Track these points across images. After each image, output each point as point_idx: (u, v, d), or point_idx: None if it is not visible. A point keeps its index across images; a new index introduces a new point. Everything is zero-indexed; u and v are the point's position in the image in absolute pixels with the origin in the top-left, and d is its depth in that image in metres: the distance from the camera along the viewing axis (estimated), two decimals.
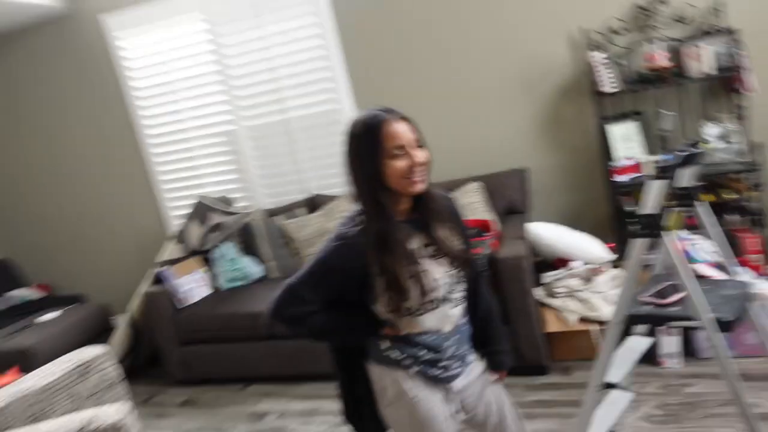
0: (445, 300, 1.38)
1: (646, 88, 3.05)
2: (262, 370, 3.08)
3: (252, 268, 3.36)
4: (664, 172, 1.46)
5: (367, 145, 1.27)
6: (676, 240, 2.49)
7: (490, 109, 3.42)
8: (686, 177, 1.74)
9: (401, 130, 1.29)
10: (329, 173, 3.70)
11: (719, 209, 2.90)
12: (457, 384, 1.45)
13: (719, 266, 2.58)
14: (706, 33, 2.96)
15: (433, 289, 1.34)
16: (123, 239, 4.24)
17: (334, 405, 2.73)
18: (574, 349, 2.69)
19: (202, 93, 3.83)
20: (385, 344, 1.40)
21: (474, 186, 3.21)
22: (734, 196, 2.90)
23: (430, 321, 1.38)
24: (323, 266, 1.33)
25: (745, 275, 2.40)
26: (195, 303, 3.21)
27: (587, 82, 3.19)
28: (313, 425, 2.66)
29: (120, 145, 4.06)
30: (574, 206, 3.40)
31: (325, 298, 1.35)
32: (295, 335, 1.43)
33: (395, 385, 1.39)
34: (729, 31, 2.87)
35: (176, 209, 4.01)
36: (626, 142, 3.14)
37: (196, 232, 3.14)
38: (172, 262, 3.22)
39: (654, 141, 3.15)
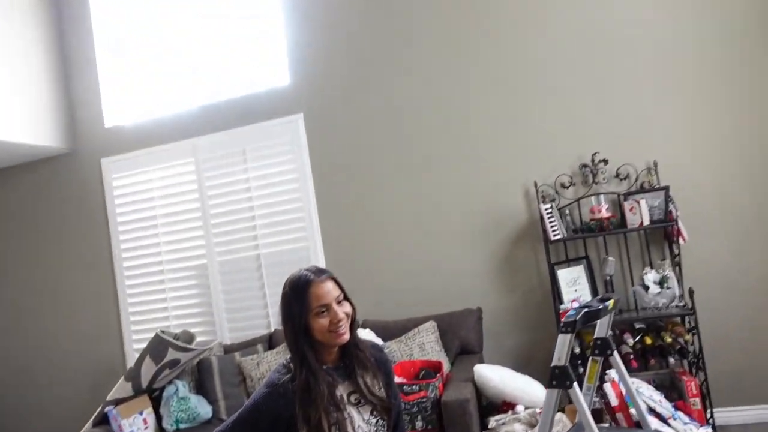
0: None
1: (591, 236, 3.26)
2: None
3: (201, 407, 3.26)
4: (568, 327, 1.55)
5: (296, 304, 1.43)
6: (615, 382, 2.53)
7: (449, 252, 3.59)
8: (603, 328, 1.84)
9: (325, 290, 1.43)
10: None
11: (661, 351, 2.97)
12: None
13: (654, 411, 2.59)
14: (643, 188, 3.24)
15: None
16: (79, 374, 4.16)
17: None
18: None
19: (182, 228, 4.03)
20: None
21: (429, 325, 3.27)
22: (670, 339, 2.98)
23: None
24: (254, 412, 1.40)
25: (680, 420, 2.41)
26: None
27: (539, 230, 3.41)
28: None
29: (95, 275, 4.18)
30: (525, 347, 3.44)
31: None
32: None
33: None
34: (662, 188, 3.14)
35: (140, 342, 3.99)
36: (574, 285, 3.27)
37: (148, 369, 3.10)
38: (119, 401, 3.13)
39: (599, 284, 3.30)
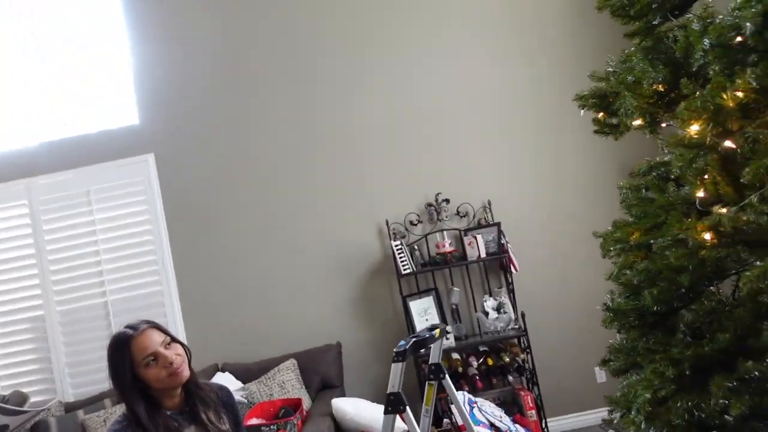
0: None
1: (438, 269, 3.54)
2: None
3: None
4: (399, 356, 1.71)
5: (120, 361, 1.43)
6: (434, 410, 2.75)
7: (309, 291, 3.67)
8: (435, 355, 2.03)
9: (149, 340, 1.44)
10: None
11: (502, 371, 3.29)
12: None
13: (495, 426, 2.86)
14: (480, 225, 3.61)
15: None
16: None
17: None
18: None
19: (13, 277, 3.65)
20: None
21: (289, 363, 3.30)
22: (508, 359, 3.32)
23: None
24: None
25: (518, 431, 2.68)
26: None
27: (392, 265, 3.62)
28: None
29: None
30: (384, 377, 3.57)
31: None
32: None
33: None
34: (494, 224, 3.53)
35: None
36: (425, 314, 3.51)
37: None
38: None
39: (447, 313, 3.58)
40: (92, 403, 3.33)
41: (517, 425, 3.07)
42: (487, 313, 3.43)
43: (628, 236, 1.18)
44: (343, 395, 3.31)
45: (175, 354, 1.46)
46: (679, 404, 0.88)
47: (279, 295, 3.66)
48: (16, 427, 2.97)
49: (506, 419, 3.06)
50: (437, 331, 1.90)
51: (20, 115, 3.80)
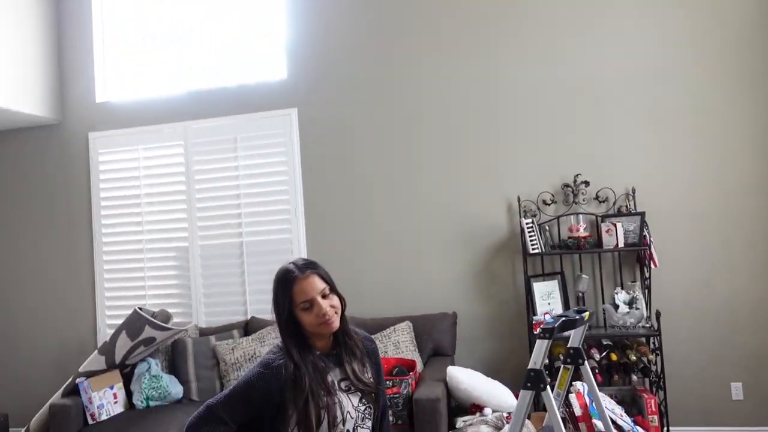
0: None
1: (568, 253, 3.38)
2: None
3: (173, 387, 3.27)
4: (546, 333, 1.64)
5: (282, 297, 1.52)
6: (580, 393, 2.64)
7: (430, 257, 3.67)
8: (576, 339, 1.94)
9: (309, 286, 1.50)
10: (270, 298, 3.81)
11: (625, 368, 3.11)
12: None
13: (616, 424, 2.71)
14: (620, 212, 3.38)
15: (343, 421, 1.45)
16: (47, 344, 4.12)
17: None
18: None
19: (165, 209, 4.03)
20: None
21: (405, 325, 3.34)
22: (634, 357, 3.12)
23: None
24: (246, 389, 1.45)
25: None
26: (104, 420, 3.07)
27: (518, 243, 3.52)
28: None
29: (74, 248, 4.14)
30: (496, 354, 3.54)
31: (240, 420, 1.43)
32: None
33: None
34: (638, 213, 3.28)
35: (113, 318, 3.98)
36: (547, 298, 3.39)
37: (123, 344, 3.10)
38: (91, 373, 3.13)
39: (572, 299, 3.43)
40: (222, 332, 3.63)
41: (638, 427, 2.89)
42: (617, 307, 3.23)
43: None
44: (454, 365, 3.31)
45: (330, 305, 1.50)
46: None
47: (401, 256, 3.70)
48: (161, 341, 3.31)
49: (627, 418, 2.89)
50: (586, 314, 1.81)
51: (180, 63, 4.12)
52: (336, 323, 1.51)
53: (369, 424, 1.54)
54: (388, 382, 2.82)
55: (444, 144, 3.69)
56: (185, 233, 3.99)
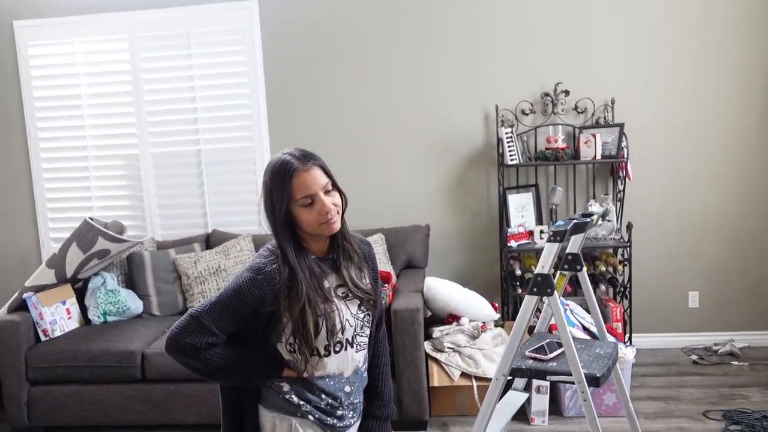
0: (350, 343, 1.36)
1: (544, 165, 3.31)
2: (125, 417, 2.76)
3: (131, 302, 3.08)
4: (557, 236, 1.55)
5: (278, 192, 1.29)
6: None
7: (402, 167, 3.52)
8: (575, 244, 1.88)
9: (311, 180, 1.29)
10: (232, 210, 3.61)
11: (593, 279, 3.16)
12: None
13: (588, 330, 2.78)
14: (598, 124, 3.30)
15: (342, 330, 1.32)
16: None
17: None
18: (454, 405, 2.71)
19: (110, 112, 3.64)
20: (284, 387, 1.33)
21: (377, 237, 3.24)
22: (604, 268, 3.18)
23: (333, 364, 1.34)
24: (236, 295, 1.27)
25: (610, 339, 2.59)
26: (58, 336, 2.86)
27: (494, 154, 3.41)
28: None
29: (5, 152, 3.70)
30: (468, 266, 3.53)
31: (228, 330, 1.28)
32: (190, 367, 1.30)
33: None
34: (617, 124, 3.22)
35: (58, 231, 3.67)
36: (521, 210, 3.35)
37: (74, 257, 2.84)
38: (40, 288, 2.87)
39: (545, 212, 3.40)
40: (182, 245, 3.41)
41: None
42: None
43: None
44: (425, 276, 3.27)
45: (333, 203, 1.32)
46: None
47: (373, 168, 3.53)
48: (116, 254, 3.08)
49: (603, 328, 2.97)
50: (594, 217, 1.73)
51: None
52: (338, 224, 1.33)
53: (367, 332, 1.42)
54: None
55: (419, 48, 3.44)
56: (135, 139, 3.64)
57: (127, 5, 3.55)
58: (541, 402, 2.60)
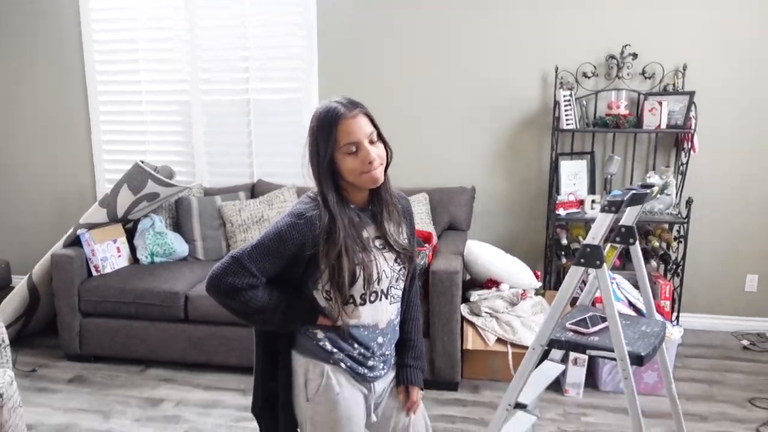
0: (385, 294, 1.35)
1: (602, 132, 3.14)
2: (167, 353, 2.88)
3: (178, 245, 3.16)
4: (613, 206, 1.46)
5: (323, 138, 1.27)
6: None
7: (452, 127, 3.42)
8: (630, 217, 1.77)
9: (356, 126, 1.26)
10: (277, 161, 3.61)
11: (644, 254, 3.02)
12: (378, 386, 1.42)
13: (634, 306, 2.67)
14: (666, 91, 3.09)
15: (378, 280, 1.32)
16: (44, 196, 3.95)
17: (236, 399, 2.62)
18: (486, 369, 2.69)
19: (165, 58, 3.66)
20: (318, 334, 1.34)
21: (421, 197, 3.19)
22: (657, 244, 3.03)
23: (367, 314, 1.34)
24: (276, 238, 1.27)
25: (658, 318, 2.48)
26: (108, 273, 2.99)
27: (550, 118, 3.26)
28: (210, 417, 2.50)
29: (65, 94, 3.81)
30: (513, 232, 3.44)
31: (268, 272, 1.29)
32: (229, 308, 1.31)
33: (320, 379, 1.33)
34: (687, 92, 3.00)
35: (112, 172, 3.78)
36: (573, 179, 3.21)
37: (125, 199, 2.92)
38: (93, 226, 2.98)
39: (599, 182, 3.25)
40: (227, 192, 3.46)
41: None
42: None
43: None
44: (467, 239, 3.21)
45: (377, 154, 1.28)
46: None
47: (420, 125, 3.44)
48: (165, 197, 3.15)
49: (652, 306, 2.86)
50: (655, 189, 1.62)
51: None
52: (381, 176, 1.30)
53: (402, 285, 1.42)
54: None
55: (479, 6, 3.27)
56: (186, 86, 3.66)
57: None
58: (577, 374, 2.55)
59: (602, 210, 1.49)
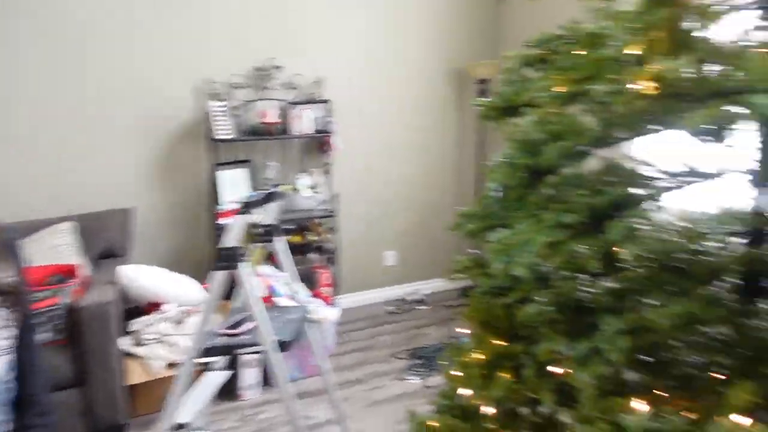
0: None
1: (257, 140, 3.30)
2: None
3: None
4: (245, 208, 1.54)
5: None
6: (257, 274, 2.71)
7: (99, 145, 3.08)
8: (269, 216, 1.90)
9: None
10: None
11: (304, 249, 3.35)
12: None
13: (293, 297, 2.92)
14: (309, 100, 3.43)
15: None
16: None
17: None
18: (159, 400, 2.55)
19: None
20: None
21: (65, 226, 2.78)
22: (315, 237, 3.38)
23: None
24: None
25: (313, 304, 2.78)
26: None
27: (205, 129, 3.25)
28: None
29: None
30: (179, 248, 3.35)
31: None
32: None
33: None
34: (324, 101, 3.39)
35: None
36: (234, 187, 3.28)
37: None
38: None
39: (260, 188, 3.41)
40: None
41: (313, 299, 3.17)
42: (298, 191, 3.36)
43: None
44: (126, 264, 2.96)
45: None
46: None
47: (65, 145, 3.00)
48: None
49: (303, 292, 3.12)
50: (284, 188, 1.77)
51: None
52: None
53: (10, 333, 1.20)
54: (45, 293, 2.34)
55: (120, 16, 3.01)
56: None
57: None
58: (251, 376, 2.62)
59: (239, 213, 1.55)
